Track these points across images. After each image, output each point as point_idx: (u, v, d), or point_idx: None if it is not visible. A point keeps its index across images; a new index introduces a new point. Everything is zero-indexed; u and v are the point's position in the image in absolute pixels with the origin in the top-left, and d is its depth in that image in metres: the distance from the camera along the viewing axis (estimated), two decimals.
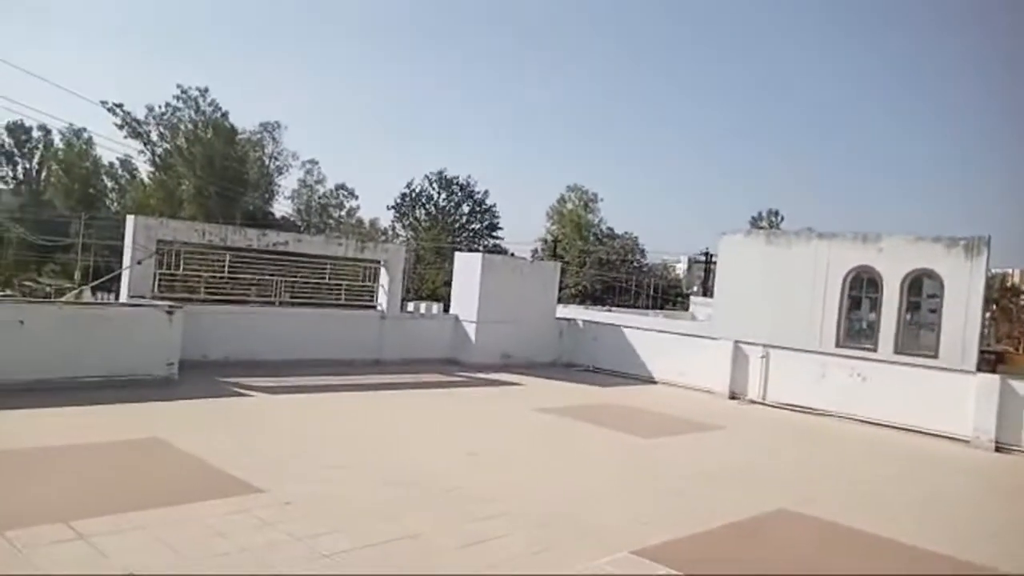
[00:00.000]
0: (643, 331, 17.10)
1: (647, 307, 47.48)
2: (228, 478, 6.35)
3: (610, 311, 27.22)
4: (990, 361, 20.96)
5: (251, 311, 13.29)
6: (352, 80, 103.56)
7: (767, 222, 64.28)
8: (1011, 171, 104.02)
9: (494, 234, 61.88)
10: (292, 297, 14.09)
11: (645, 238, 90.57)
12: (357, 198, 67.19)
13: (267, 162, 63.34)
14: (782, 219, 64.82)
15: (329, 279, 14.52)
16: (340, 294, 14.72)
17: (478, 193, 61.23)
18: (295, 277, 14.22)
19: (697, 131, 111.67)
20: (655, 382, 15.54)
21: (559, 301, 22.67)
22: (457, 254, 17.69)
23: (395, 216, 62.72)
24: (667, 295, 57.44)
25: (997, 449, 11.20)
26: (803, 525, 6.73)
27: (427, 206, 61.43)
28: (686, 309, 34.05)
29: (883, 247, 16.43)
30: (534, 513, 6.19)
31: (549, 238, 63.81)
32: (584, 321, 18.10)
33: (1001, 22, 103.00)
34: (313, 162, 65.58)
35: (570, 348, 17.38)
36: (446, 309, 16.71)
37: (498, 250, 56.92)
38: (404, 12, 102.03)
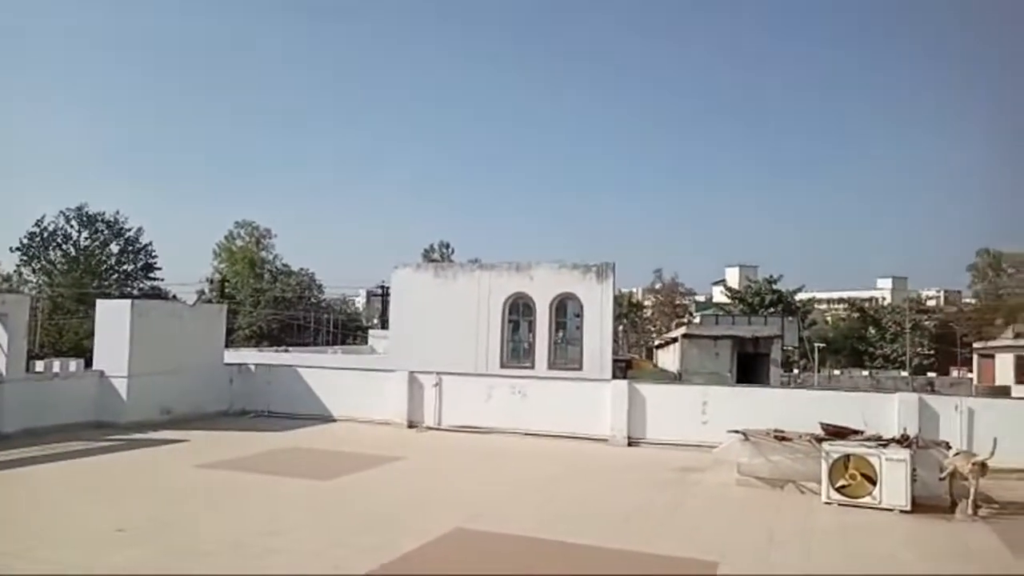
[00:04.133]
0: (320, 369, 16.76)
1: (327, 343, 46.75)
2: None
3: (287, 351, 26.23)
4: (622, 368, 24.57)
5: None
6: None
7: (439, 254, 67.71)
8: (633, 201, 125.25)
9: (151, 275, 55.44)
10: None
11: (323, 273, 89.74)
12: None
13: None
14: (453, 251, 68.85)
15: None
16: None
17: (129, 231, 54.45)
18: None
19: (368, 161, 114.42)
20: (335, 420, 15.27)
21: (230, 345, 21.24)
22: (99, 301, 15.55)
23: (21, 259, 52.87)
24: (347, 329, 57.13)
25: (630, 444, 13.10)
26: (475, 539, 7.16)
27: (64, 247, 52.87)
28: (367, 342, 34.24)
29: (534, 275, 18.39)
30: None
31: (217, 277, 59.42)
32: (256, 364, 17.13)
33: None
34: None
35: (242, 394, 16.30)
36: (88, 364, 14.51)
37: (157, 293, 51.27)
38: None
